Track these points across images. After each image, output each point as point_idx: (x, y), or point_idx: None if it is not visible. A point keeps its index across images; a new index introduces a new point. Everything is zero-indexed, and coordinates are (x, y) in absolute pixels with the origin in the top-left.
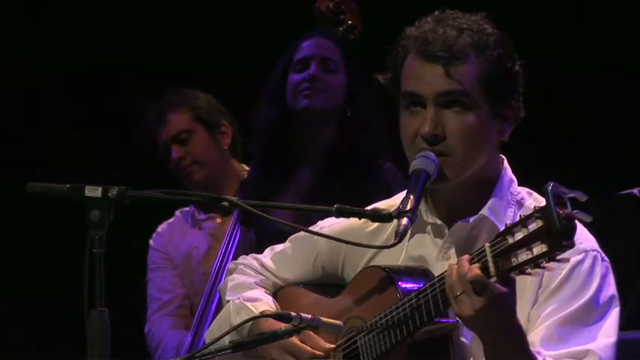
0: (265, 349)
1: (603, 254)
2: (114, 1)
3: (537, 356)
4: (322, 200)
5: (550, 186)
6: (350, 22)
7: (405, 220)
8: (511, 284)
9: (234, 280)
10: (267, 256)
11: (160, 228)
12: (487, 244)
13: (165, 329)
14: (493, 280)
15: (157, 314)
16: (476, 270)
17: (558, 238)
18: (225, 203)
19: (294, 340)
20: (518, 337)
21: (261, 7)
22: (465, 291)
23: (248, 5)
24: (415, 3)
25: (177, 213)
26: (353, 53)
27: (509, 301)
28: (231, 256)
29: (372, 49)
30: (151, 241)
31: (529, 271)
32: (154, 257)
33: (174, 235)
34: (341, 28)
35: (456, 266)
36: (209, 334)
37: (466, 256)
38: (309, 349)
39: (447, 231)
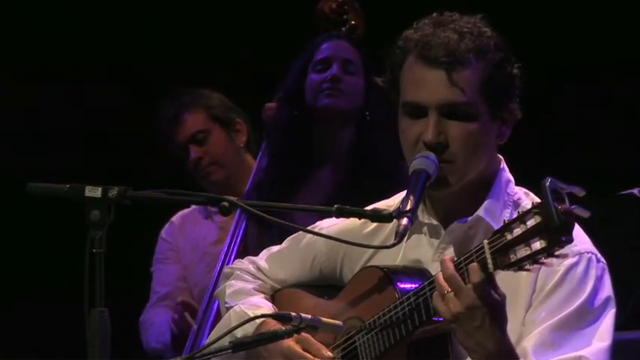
0: (267, 357)
1: (599, 255)
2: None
3: None
4: (344, 203)
5: (548, 181)
6: (353, 22)
7: (405, 221)
8: (500, 299)
9: (232, 286)
10: (263, 258)
11: (174, 217)
12: (485, 241)
13: (156, 315)
14: (493, 271)
15: (153, 306)
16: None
17: (557, 234)
18: (225, 203)
19: (297, 347)
20: (504, 348)
21: (265, 7)
22: (446, 293)
23: (251, 5)
24: (418, 3)
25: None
26: (368, 56)
27: (492, 308)
28: (233, 256)
29: (375, 50)
30: (162, 231)
31: (527, 267)
32: (162, 248)
33: (186, 225)
34: (344, 29)
35: (439, 274)
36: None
37: (448, 257)
38: (312, 357)
39: (442, 231)
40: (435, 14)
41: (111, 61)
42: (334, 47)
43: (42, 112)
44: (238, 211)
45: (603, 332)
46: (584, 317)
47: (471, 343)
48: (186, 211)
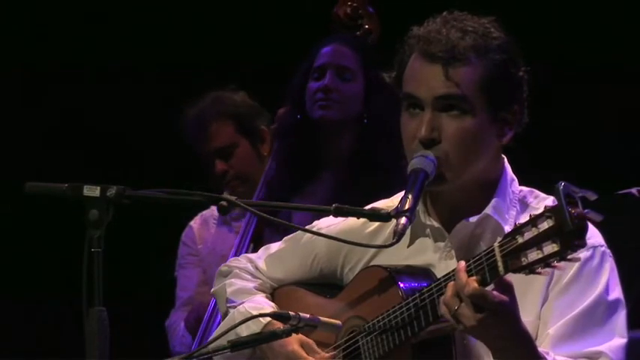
0: (272, 358)
1: (609, 250)
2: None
3: (546, 356)
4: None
5: (561, 185)
6: (367, 26)
7: (403, 220)
8: (510, 291)
9: (233, 285)
10: (261, 257)
11: (194, 220)
12: (496, 244)
13: (179, 319)
14: (492, 287)
15: (176, 311)
16: (473, 284)
17: (570, 238)
18: (224, 203)
19: (302, 351)
20: (525, 341)
21: (282, 11)
22: (463, 304)
23: (268, 9)
24: (433, 7)
25: (212, 206)
26: (372, 58)
27: (509, 308)
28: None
29: (389, 53)
30: (182, 235)
31: (539, 270)
32: (183, 252)
33: (205, 229)
34: (358, 33)
35: (452, 284)
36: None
37: (462, 265)
38: None
39: (446, 233)
40: (445, 13)
41: (110, 60)
42: (330, 54)
43: (42, 112)
44: (248, 213)
45: (620, 327)
46: (601, 311)
47: (495, 347)
48: (204, 213)
